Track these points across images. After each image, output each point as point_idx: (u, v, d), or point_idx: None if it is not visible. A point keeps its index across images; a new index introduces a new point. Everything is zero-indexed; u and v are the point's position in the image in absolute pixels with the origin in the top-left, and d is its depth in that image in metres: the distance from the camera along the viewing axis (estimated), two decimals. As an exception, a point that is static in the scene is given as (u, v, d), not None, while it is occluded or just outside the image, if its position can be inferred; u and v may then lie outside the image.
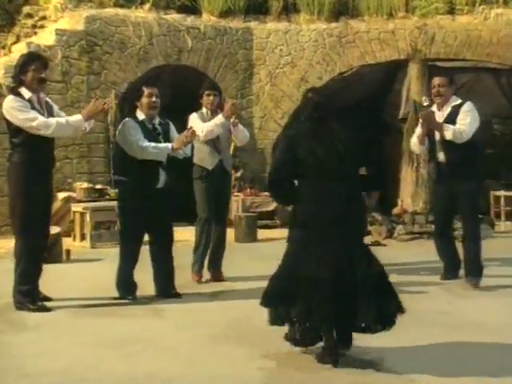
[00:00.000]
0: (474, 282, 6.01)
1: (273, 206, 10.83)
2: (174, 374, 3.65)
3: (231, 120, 6.24)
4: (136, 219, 5.54)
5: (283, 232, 10.17)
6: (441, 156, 6.24)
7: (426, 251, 8.44)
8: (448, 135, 6.08)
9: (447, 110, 6.23)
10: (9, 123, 5.13)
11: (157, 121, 5.72)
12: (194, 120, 6.24)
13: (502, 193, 11.40)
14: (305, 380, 3.62)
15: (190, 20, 11.61)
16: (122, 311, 5.19)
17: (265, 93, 11.70)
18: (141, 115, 5.63)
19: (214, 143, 6.27)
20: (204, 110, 6.37)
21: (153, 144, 5.53)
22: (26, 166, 5.10)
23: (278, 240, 9.54)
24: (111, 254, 8.31)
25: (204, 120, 6.26)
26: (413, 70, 11.82)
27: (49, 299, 5.32)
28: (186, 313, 5.16)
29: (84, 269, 7.20)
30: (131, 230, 5.59)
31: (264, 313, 4.18)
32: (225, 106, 6.23)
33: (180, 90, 10.49)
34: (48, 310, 5.13)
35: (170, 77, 11.21)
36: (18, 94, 5.12)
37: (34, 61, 5.16)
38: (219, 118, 6.18)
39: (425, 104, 10.66)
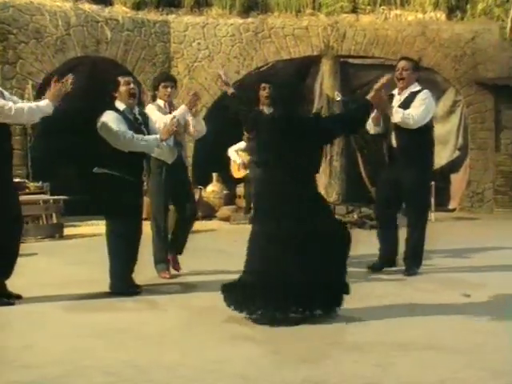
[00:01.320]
0: (410, 272, 6.28)
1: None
2: (175, 360, 3.71)
3: (193, 110, 6.13)
4: (128, 212, 5.43)
5: (205, 224, 10.47)
6: (392, 139, 6.35)
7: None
8: (396, 118, 6.17)
9: (405, 95, 6.36)
10: None
11: (137, 111, 5.66)
12: (153, 112, 6.07)
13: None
14: (304, 353, 3.84)
15: (107, 11, 11.48)
16: (93, 304, 5.16)
17: (183, 86, 11.73)
18: (121, 105, 5.52)
19: (174, 136, 6.03)
20: (160, 101, 6.24)
21: (141, 136, 5.48)
22: None
23: (205, 232, 9.72)
24: (43, 247, 8.21)
25: (163, 112, 6.11)
26: (325, 66, 12.26)
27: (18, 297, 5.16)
28: (159, 304, 5.23)
29: (26, 263, 7.01)
30: (125, 224, 5.43)
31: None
32: (188, 97, 6.12)
33: (98, 82, 10.37)
34: (11, 303, 5.04)
35: (87, 68, 11.05)
36: None
37: None
38: (183, 109, 6.06)
39: (337, 99, 11.09)
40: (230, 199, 11.63)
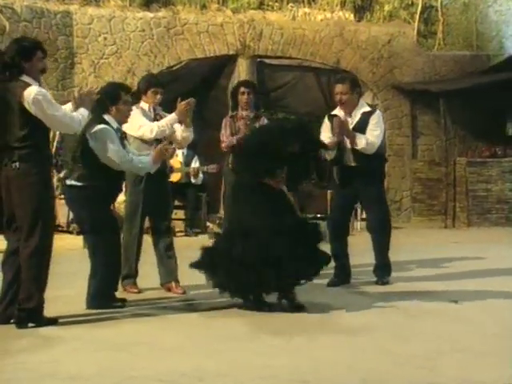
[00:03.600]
0: (383, 281, 6.71)
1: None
2: (219, 368, 3.90)
3: (187, 120, 6.22)
4: (108, 227, 5.56)
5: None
6: (350, 161, 6.68)
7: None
8: (360, 145, 6.53)
9: (356, 117, 6.67)
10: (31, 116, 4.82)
11: (120, 128, 5.79)
12: (138, 117, 6.14)
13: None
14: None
15: (1, -2, 11.22)
16: (77, 321, 5.19)
17: (88, 84, 11.67)
18: (113, 122, 5.59)
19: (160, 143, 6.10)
20: (144, 104, 6.29)
21: (139, 158, 5.65)
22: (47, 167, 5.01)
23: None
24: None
25: (147, 117, 6.22)
26: (242, 66, 12.62)
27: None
28: (148, 317, 5.35)
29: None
30: (106, 240, 5.55)
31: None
32: (179, 105, 6.14)
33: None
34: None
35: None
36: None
37: (40, 48, 4.99)
38: (173, 118, 6.14)
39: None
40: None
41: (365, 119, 6.67)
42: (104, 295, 5.55)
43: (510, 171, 12.75)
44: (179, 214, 11.28)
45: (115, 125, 5.63)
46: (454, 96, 13.02)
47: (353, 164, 6.74)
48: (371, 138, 6.60)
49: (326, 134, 6.76)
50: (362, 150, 6.60)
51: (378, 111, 6.92)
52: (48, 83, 11.19)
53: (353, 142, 6.60)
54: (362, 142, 6.56)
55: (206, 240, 10.20)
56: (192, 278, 6.14)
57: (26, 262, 4.80)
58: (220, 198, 13.14)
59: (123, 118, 5.73)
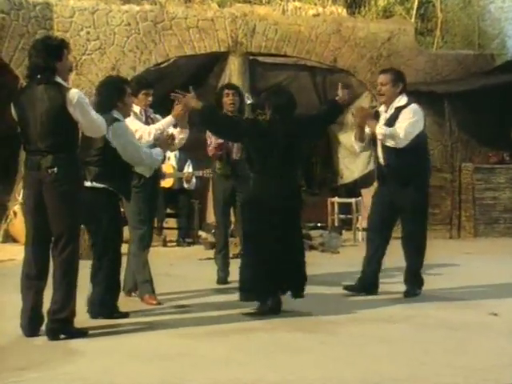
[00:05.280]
0: (411, 293, 6.89)
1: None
2: (276, 378, 4.13)
3: (184, 123, 6.46)
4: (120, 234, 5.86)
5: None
6: (380, 157, 6.90)
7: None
8: (379, 135, 6.70)
9: (391, 111, 6.84)
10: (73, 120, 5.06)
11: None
12: (132, 120, 6.30)
13: (336, 199, 12.86)
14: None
15: (-24, -12, 11.23)
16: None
17: (69, 82, 11.69)
18: (121, 118, 5.82)
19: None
20: (135, 107, 6.48)
21: (154, 150, 5.93)
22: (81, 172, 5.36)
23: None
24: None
25: (139, 120, 6.47)
26: (233, 65, 12.75)
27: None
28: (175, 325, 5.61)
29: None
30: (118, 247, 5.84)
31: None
32: (177, 107, 6.33)
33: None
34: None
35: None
36: None
37: (66, 46, 5.20)
38: (170, 121, 6.39)
39: (248, 102, 11.69)
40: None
41: (397, 114, 6.81)
42: (106, 305, 5.74)
43: (519, 179, 13.04)
44: (171, 222, 11.36)
45: (122, 119, 5.85)
46: (459, 98, 13.27)
47: (383, 162, 6.91)
48: (395, 129, 6.68)
49: None
50: (383, 141, 6.74)
51: (412, 105, 6.90)
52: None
53: (372, 131, 6.80)
54: (381, 131, 6.71)
55: (200, 250, 10.42)
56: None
57: (62, 268, 4.92)
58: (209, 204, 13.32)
59: (128, 112, 6.03)
